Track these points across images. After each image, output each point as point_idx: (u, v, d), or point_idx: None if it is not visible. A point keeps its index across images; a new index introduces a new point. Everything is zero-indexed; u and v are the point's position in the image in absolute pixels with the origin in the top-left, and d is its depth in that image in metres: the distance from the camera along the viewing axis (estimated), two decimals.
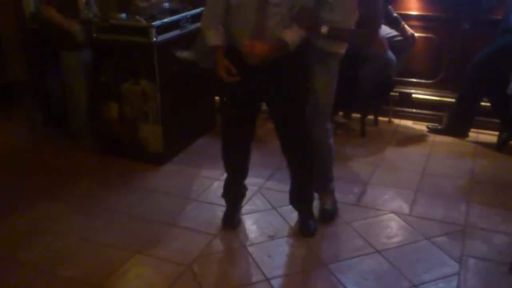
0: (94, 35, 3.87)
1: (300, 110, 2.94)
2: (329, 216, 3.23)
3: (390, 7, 4.30)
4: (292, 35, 2.74)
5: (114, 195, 3.56)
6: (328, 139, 3.09)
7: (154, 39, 3.70)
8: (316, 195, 3.24)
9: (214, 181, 3.69)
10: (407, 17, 4.41)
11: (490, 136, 4.33)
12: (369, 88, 4.23)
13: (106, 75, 3.94)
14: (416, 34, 4.31)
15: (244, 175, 3.23)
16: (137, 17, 3.83)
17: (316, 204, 3.24)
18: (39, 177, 3.85)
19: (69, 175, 3.86)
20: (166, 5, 4.21)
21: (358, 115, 4.56)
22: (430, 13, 4.48)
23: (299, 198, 3.18)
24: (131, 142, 4.02)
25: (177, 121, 4.06)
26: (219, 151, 3.17)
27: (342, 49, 2.95)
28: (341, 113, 4.73)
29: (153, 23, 3.71)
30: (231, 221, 3.19)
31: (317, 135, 3.02)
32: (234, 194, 3.26)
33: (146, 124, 3.91)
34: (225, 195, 3.27)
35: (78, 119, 4.29)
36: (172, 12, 4.05)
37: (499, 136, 4.23)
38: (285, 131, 3.02)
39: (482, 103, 4.30)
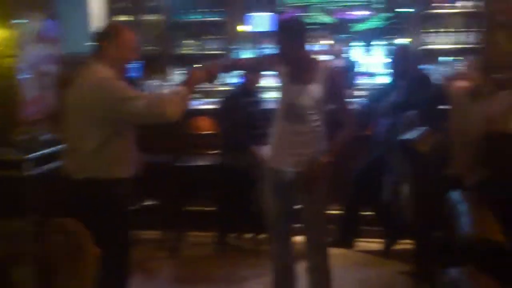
0: None
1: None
2: None
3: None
4: None
5: None
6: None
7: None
8: None
9: None
10: None
11: (377, 244, 4.43)
12: (258, 208, 4.26)
13: None
14: None
15: None
16: None
17: None
18: None
19: None
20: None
21: (250, 235, 4.56)
22: None
23: None
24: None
25: None
26: None
27: None
28: (233, 234, 4.72)
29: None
30: None
31: None
32: None
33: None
34: None
35: None
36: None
37: (385, 243, 4.36)
38: None
39: (366, 213, 4.46)
